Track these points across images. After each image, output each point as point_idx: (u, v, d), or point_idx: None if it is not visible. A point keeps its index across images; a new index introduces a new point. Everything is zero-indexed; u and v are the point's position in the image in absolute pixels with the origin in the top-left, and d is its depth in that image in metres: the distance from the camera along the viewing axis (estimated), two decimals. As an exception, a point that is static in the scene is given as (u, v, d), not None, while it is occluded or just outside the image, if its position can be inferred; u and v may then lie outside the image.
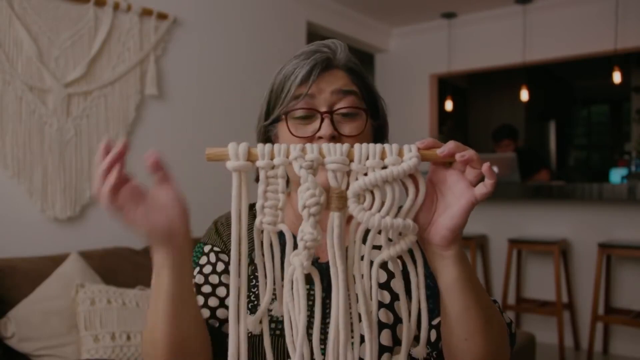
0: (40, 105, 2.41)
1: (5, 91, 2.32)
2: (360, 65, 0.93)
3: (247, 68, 3.42)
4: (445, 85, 5.66)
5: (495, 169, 3.93)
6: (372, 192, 0.67)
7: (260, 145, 0.69)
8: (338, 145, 0.68)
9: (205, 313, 0.85)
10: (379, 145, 0.68)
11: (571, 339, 3.71)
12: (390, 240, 0.70)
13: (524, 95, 5.10)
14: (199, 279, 0.88)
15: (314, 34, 4.28)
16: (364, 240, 0.69)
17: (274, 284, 0.71)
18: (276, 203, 0.68)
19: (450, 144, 0.69)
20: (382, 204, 0.67)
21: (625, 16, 3.93)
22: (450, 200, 0.70)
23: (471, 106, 7.17)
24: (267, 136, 0.93)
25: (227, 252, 0.89)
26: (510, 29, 4.45)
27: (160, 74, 2.91)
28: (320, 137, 0.83)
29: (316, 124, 0.85)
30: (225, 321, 0.86)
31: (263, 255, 0.70)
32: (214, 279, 0.88)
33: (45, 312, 2.00)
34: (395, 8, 4.51)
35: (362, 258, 0.70)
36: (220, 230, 0.94)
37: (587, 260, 3.66)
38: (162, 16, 2.87)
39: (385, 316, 0.85)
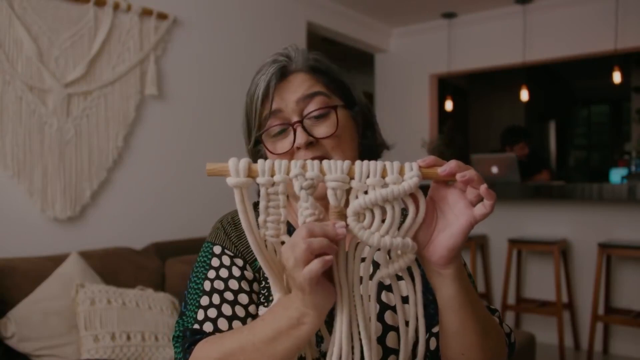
0: (40, 105, 2.41)
1: (5, 91, 2.32)
2: (325, 58, 0.91)
3: (247, 68, 3.41)
4: (445, 85, 5.66)
5: (495, 169, 3.93)
6: (371, 210, 0.67)
7: (260, 162, 0.68)
8: (339, 162, 0.68)
9: (237, 324, 0.82)
10: (380, 163, 0.68)
11: (571, 339, 3.71)
12: (389, 257, 0.71)
13: (524, 95, 5.10)
14: (218, 284, 0.84)
15: (314, 34, 4.28)
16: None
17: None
18: (278, 217, 0.69)
19: (452, 163, 0.68)
20: (382, 221, 0.67)
21: (625, 16, 3.93)
22: (450, 219, 0.70)
23: (471, 106, 7.17)
24: (259, 156, 0.94)
25: (240, 255, 0.87)
26: (510, 29, 4.45)
27: (160, 74, 2.91)
28: (298, 148, 0.83)
29: (292, 136, 0.84)
30: None
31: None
32: (234, 284, 0.84)
33: (45, 312, 2.00)
34: (395, 8, 4.51)
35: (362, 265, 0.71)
36: (228, 230, 0.90)
37: (587, 260, 3.66)
38: (162, 16, 2.87)
39: (391, 318, 0.85)
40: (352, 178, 0.67)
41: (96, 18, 2.60)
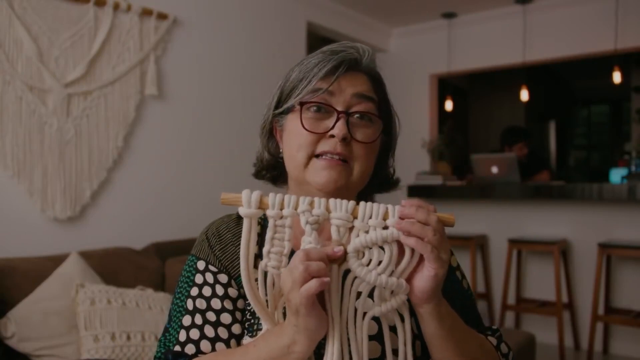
0: (40, 105, 2.41)
1: (5, 91, 2.32)
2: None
3: (247, 68, 3.42)
4: (445, 85, 5.66)
5: (495, 169, 3.93)
6: (371, 249, 0.71)
7: (271, 195, 0.73)
8: (344, 202, 0.72)
9: (220, 346, 0.82)
10: (382, 206, 0.72)
11: (571, 339, 3.71)
12: (382, 296, 0.74)
13: (524, 95, 5.10)
14: (200, 303, 0.83)
15: (314, 34, 4.28)
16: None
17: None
18: (281, 250, 0.73)
19: (403, 226, 0.70)
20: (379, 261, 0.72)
21: (625, 16, 3.93)
22: (426, 262, 0.71)
23: (471, 106, 7.17)
24: (271, 127, 0.91)
25: (224, 270, 0.85)
26: (510, 29, 4.45)
27: (160, 74, 2.91)
28: (332, 136, 0.82)
29: (329, 121, 0.83)
30: None
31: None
32: (216, 303, 0.83)
33: (45, 312, 2.00)
34: (395, 8, 4.51)
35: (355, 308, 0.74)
36: (212, 242, 0.87)
37: (587, 260, 3.66)
38: (162, 16, 2.87)
39: (389, 340, 0.86)
40: (355, 217, 0.72)
41: (96, 18, 2.60)
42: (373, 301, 0.73)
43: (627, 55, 5.00)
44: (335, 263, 0.71)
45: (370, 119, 0.85)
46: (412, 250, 0.71)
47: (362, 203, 0.72)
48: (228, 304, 0.83)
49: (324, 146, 0.82)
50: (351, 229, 0.72)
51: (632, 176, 3.60)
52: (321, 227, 0.73)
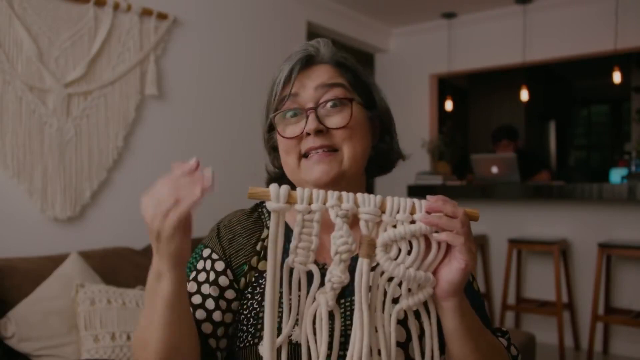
0: (40, 105, 2.41)
1: (5, 91, 2.32)
2: (352, 59, 0.92)
3: (247, 68, 3.42)
4: (445, 85, 5.66)
5: (495, 169, 3.93)
6: (398, 243, 0.72)
7: (299, 190, 0.72)
8: (372, 196, 0.72)
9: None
10: (409, 201, 0.72)
11: (571, 339, 3.71)
12: (409, 290, 0.74)
13: (524, 95, 5.09)
14: (192, 286, 0.86)
15: (314, 34, 4.28)
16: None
17: (297, 313, 0.76)
18: (309, 245, 0.72)
19: (431, 220, 0.71)
20: (407, 254, 0.72)
21: (625, 16, 3.93)
22: (455, 254, 0.72)
23: (471, 106, 7.16)
24: (271, 144, 0.94)
25: (224, 258, 0.88)
26: (510, 29, 4.45)
27: (160, 74, 2.91)
28: (308, 134, 0.84)
29: (304, 121, 0.85)
30: (209, 336, 0.84)
31: (290, 289, 0.75)
32: (205, 289, 0.85)
33: (45, 312, 2.00)
34: (395, 8, 4.51)
35: (383, 302, 0.74)
36: (222, 233, 0.91)
37: (587, 260, 3.66)
38: (162, 16, 2.87)
39: (399, 334, 0.86)
40: (383, 212, 0.72)
41: (96, 18, 2.60)
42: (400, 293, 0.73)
43: (627, 55, 4.99)
44: (363, 256, 0.71)
45: (342, 103, 0.86)
46: (439, 244, 0.72)
47: (389, 197, 0.73)
48: (214, 291, 0.85)
49: (307, 144, 0.85)
50: (379, 223, 0.72)
51: (632, 176, 3.60)
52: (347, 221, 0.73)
